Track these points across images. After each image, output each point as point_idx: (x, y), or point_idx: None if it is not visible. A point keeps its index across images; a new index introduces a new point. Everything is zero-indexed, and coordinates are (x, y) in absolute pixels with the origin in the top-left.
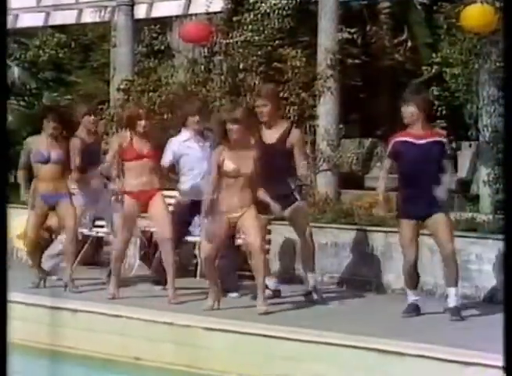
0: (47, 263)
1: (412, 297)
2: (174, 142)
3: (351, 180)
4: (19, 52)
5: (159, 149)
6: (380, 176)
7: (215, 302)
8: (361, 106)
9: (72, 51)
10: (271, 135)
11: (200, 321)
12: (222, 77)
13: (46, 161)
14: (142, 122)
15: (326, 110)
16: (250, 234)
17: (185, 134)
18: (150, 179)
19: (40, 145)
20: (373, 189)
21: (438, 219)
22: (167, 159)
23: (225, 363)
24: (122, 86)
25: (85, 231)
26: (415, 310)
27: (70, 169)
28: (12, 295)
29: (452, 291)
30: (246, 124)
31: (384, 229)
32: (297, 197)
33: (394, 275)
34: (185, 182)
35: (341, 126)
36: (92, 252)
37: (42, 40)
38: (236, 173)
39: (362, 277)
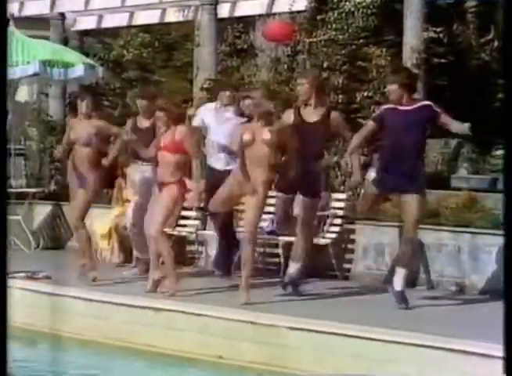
0: None
1: None
2: (203, 108)
3: (436, 180)
4: (103, 52)
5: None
6: (354, 138)
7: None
8: (446, 105)
9: (155, 50)
10: (310, 115)
11: (283, 320)
12: None
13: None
14: (160, 114)
15: None
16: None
17: (214, 104)
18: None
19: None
20: (460, 189)
21: (408, 198)
22: (198, 119)
23: (308, 362)
24: (205, 85)
25: (168, 230)
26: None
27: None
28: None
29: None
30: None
31: (472, 230)
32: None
33: (479, 276)
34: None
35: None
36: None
37: (126, 40)
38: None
39: (449, 278)
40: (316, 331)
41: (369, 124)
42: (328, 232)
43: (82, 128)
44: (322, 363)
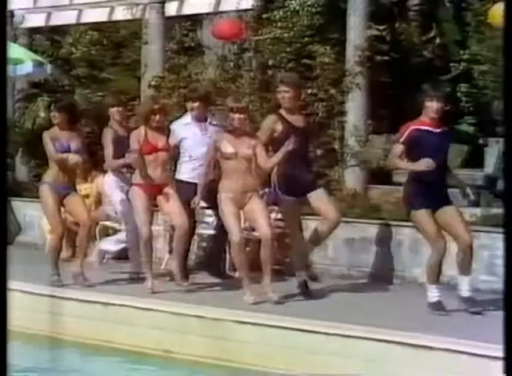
0: (111, 246)
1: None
2: (175, 124)
3: (379, 175)
4: (51, 50)
5: None
6: (400, 163)
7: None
8: (389, 102)
9: (104, 48)
10: (297, 120)
11: (231, 314)
12: (252, 74)
13: (66, 152)
14: (157, 117)
15: (355, 106)
16: (259, 224)
17: (186, 118)
18: (166, 172)
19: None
20: (401, 184)
21: (452, 211)
22: (177, 138)
23: (255, 356)
24: (153, 83)
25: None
26: (440, 307)
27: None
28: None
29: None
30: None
31: (412, 224)
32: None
33: (421, 269)
34: (184, 167)
35: (369, 122)
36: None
37: (75, 37)
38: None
39: (390, 271)
40: (265, 325)
41: (399, 148)
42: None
43: (67, 139)
44: (270, 357)
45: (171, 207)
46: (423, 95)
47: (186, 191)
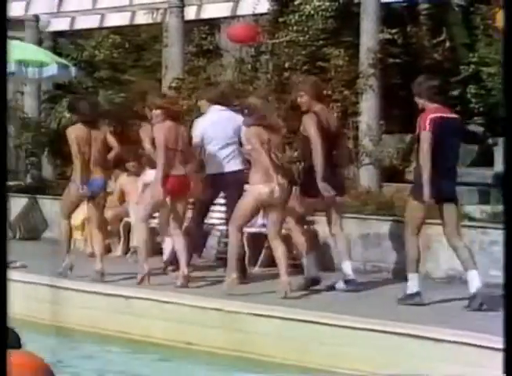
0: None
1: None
2: (199, 121)
3: (392, 174)
4: (75, 53)
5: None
6: (426, 156)
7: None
8: (401, 103)
9: (126, 51)
10: (329, 120)
11: (248, 307)
12: (268, 76)
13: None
14: (156, 111)
15: (368, 106)
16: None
17: (210, 115)
18: (183, 167)
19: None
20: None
21: (452, 209)
22: (197, 137)
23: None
24: (173, 84)
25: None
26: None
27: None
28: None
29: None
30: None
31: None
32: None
33: (433, 264)
34: (210, 160)
35: (382, 122)
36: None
37: (98, 41)
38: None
39: (403, 266)
40: (282, 318)
41: (428, 136)
42: None
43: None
44: (287, 350)
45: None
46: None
47: (215, 184)
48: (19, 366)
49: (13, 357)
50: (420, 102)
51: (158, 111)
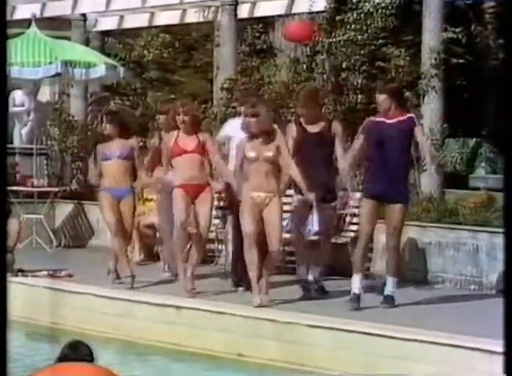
0: None
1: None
2: (231, 121)
3: (455, 180)
4: (124, 53)
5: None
6: (350, 153)
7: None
8: (465, 105)
9: (176, 51)
10: (312, 128)
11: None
12: (325, 76)
13: (108, 158)
14: (180, 117)
15: (430, 109)
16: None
17: (239, 119)
18: (198, 174)
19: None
20: (478, 188)
21: (396, 209)
22: (221, 134)
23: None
24: (225, 85)
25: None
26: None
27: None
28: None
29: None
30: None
31: (490, 229)
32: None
33: (498, 275)
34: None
35: (445, 125)
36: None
37: (147, 40)
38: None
39: (467, 276)
40: (338, 329)
41: (358, 140)
42: (347, 230)
43: (113, 148)
44: (339, 361)
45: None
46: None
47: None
48: None
49: (87, 370)
50: None
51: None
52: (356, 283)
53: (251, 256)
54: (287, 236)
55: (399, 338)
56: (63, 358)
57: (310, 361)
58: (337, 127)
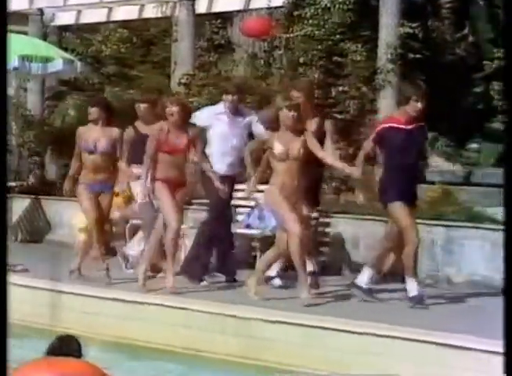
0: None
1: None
2: (206, 110)
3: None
4: (81, 48)
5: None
6: (357, 160)
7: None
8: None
9: (134, 46)
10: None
11: (261, 313)
12: (282, 71)
13: (92, 151)
14: (171, 108)
15: (386, 103)
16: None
17: (219, 107)
18: (182, 172)
19: (89, 134)
20: (433, 183)
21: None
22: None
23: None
24: (183, 80)
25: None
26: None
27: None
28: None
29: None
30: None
31: (445, 223)
32: None
33: (454, 268)
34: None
35: None
36: None
37: (105, 35)
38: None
39: (422, 270)
40: (294, 324)
41: (368, 145)
42: None
43: (98, 136)
44: (297, 356)
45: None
46: (407, 93)
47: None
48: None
49: (72, 365)
50: None
51: None
52: (414, 285)
53: (303, 255)
54: (249, 232)
55: (370, 333)
56: (51, 351)
57: (271, 357)
58: (328, 125)
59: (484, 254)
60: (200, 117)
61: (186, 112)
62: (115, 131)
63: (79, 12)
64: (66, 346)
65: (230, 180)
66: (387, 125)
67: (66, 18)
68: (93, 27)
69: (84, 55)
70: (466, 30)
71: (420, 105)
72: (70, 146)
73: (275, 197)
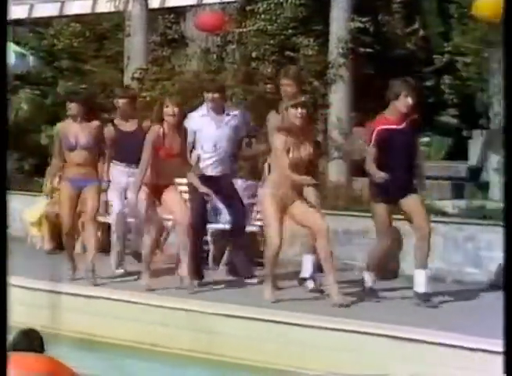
0: None
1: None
2: (192, 117)
3: (362, 168)
4: (34, 42)
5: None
6: (370, 166)
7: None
8: (373, 94)
9: (87, 40)
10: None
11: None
12: (235, 66)
13: (73, 148)
14: (170, 109)
15: (338, 98)
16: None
17: (202, 109)
18: (171, 175)
19: (68, 130)
20: None
21: (415, 199)
22: (190, 137)
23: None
24: (136, 75)
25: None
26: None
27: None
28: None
29: (422, 273)
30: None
31: (397, 216)
32: None
33: (406, 262)
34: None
35: (353, 114)
36: None
37: (57, 29)
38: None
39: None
40: (251, 319)
41: (371, 150)
42: (256, 219)
43: (77, 131)
44: (255, 351)
45: (172, 201)
46: (396, 88)
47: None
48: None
49: (39, 360)
50: None
51: None
52: (422, 279)
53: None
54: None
55: (339, 329)
56: (13, 346)
57: (228, 352)
58: None
59: (436, 247)
60: (189, 127)
61: (183, 113)
62: (95, 124)
63: (32, 6)
64: (28, 341)
65: (220, 180)
66: (381, 128)
67: (18, 12)
68: (46, 21)
69: (36, 49)
70: (416, 25)
71: (410, 100)
72: (24, 139)
73: (268, 205)
